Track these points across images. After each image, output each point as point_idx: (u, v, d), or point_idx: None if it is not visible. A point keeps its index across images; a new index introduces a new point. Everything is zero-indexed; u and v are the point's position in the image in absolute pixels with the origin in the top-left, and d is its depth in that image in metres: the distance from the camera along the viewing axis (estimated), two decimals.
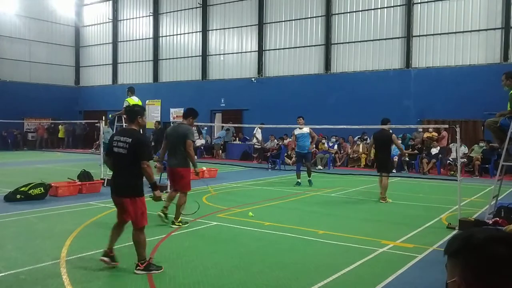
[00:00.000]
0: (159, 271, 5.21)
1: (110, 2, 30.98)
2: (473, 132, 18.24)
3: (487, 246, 1.25)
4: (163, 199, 5.88)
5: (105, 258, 5.29)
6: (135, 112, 5.37)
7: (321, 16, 22.62)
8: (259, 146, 21.92)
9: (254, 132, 22.18)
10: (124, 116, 12.28)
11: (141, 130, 5.56)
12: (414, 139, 18.34)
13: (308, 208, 9.95)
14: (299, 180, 13.43)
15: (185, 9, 27.44)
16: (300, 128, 13.33)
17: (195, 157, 8.26)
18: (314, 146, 15.58)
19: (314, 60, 22.93)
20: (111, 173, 5.54)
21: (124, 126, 12.75)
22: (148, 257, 5.32)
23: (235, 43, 25.58)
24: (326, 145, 20.16)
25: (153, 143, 21.14)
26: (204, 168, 15.26)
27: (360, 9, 21.56)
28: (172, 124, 9.58)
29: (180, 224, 7.65)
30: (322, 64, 22.59)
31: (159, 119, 26.86)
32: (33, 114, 29.05)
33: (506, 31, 18.19)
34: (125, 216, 5.27)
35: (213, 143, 23.87)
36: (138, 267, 5.17)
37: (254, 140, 22.31)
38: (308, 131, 13.34)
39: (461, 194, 8.08)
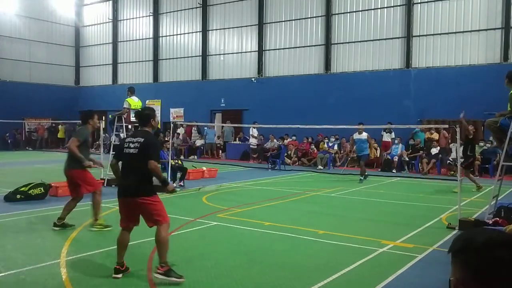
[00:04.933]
0: (180, 279, 4.84)
1: (110, 2, 30.97)
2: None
3: (486, 249, 1.26)
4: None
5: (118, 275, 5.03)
6: (147, 116, 5.29)
7: (321, 16, 22.61)
8: (255, 146, 21.93)
9: (251, 132, 22.24)
10: (124, 116, 12.37)
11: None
12: (415, 139, 18.35)
13: (308, 208, 9.95)
14: (361, 178, 14.48)
15: (185, 9, 27.43)
16: (359, 133, 14.56)
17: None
18: (372, 151, 16.94)
19: (314, 60, 22.93)
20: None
21: (123, 126, 12.77)
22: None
23: (235, 43, 25.58)
24: (326, 145, 20.17)
25: None
26: (204, 168, 15.30)
27: (360, 9, 21.55)
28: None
29: (101, 227, 7.24)
30: (322, 64, 22.58)
31: (159, 119, 26.84)
32: (33, 114, 29.05)
33: (506, 31, 18.18)
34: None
35: (206, 143, 23.71)
36: (158, 270, 4.87)
37: (251, 140, 22.34)
38: (366, 137, 14.57)
39: (461, 194, 8.09)
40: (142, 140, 5.00)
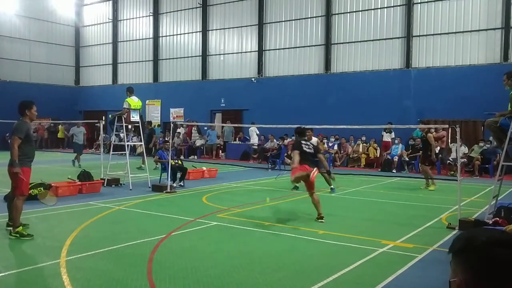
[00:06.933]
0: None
1: (110, 2, 30.97)
2: (473, 132, 18.23)
3: (488, 249, 1.26)
4: None
5: None
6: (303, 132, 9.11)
7: (321, 16, 22.61)
8: (256, 147, 21.92)
9: (257, 133, 22.20)
10: (124, 116, 12.35)
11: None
12: (415, 139, 18.32)
13: (308, 208, 9.92)
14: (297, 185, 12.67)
15: (185, 9, 27.44)
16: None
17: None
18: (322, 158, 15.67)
19: (314, 60, 22.93)
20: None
21: (123, 126, 12.76)
22: None
23: (235, 43, 25.58)
24: (326, 145, 20.16)
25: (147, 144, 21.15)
26: (204, 168, 15.29)
27: (360, 9, 21.55)
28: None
29: (18, 235, 6.56)
30: (322, 64, 22.58)
31: (159, 119, 26.86)
32: None
33: (506, 31, 18.18)
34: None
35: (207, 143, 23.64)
36: None
37: (252, 140, 22.31)
38: (316, 144, 12.52)
39: (461, 194, 8.09)
40: (312, 145, 8.70)
